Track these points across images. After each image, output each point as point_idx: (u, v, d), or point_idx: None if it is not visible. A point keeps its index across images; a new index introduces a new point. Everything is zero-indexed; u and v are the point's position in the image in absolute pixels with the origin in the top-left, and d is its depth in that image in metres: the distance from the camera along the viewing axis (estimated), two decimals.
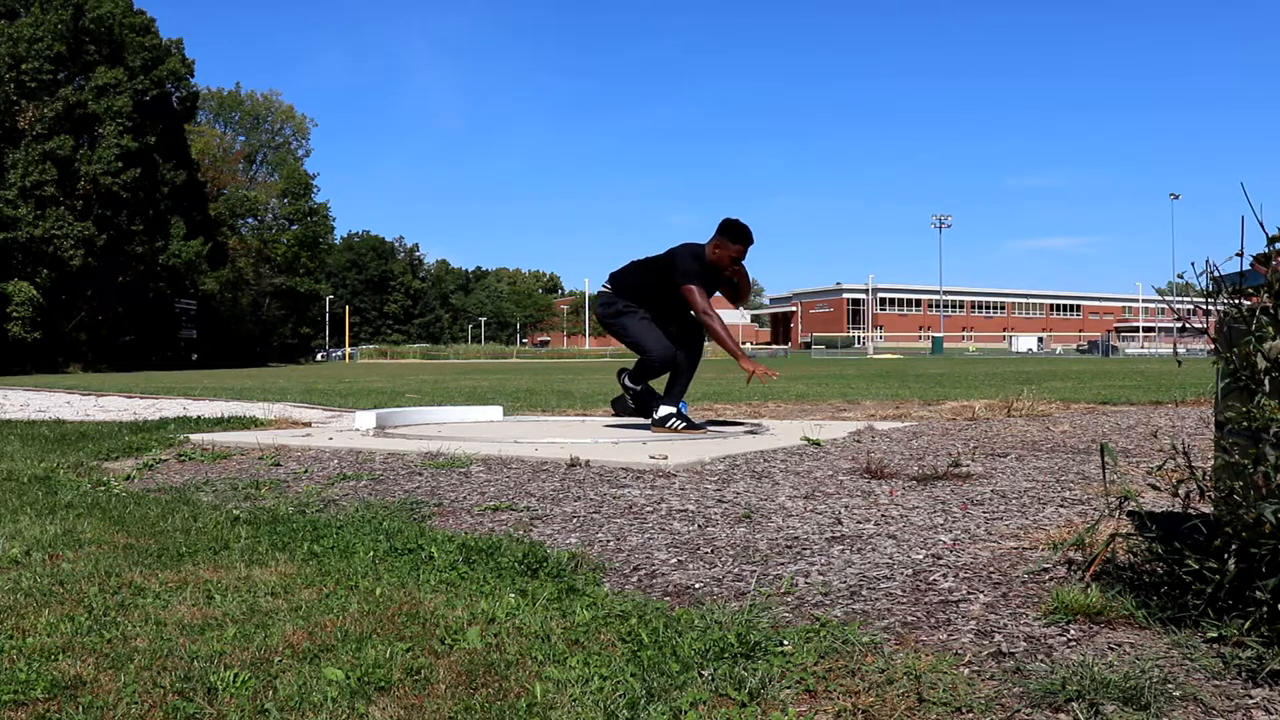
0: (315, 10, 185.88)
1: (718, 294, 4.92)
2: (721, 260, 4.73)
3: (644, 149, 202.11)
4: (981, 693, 1.42)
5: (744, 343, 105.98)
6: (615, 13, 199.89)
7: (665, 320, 4.87)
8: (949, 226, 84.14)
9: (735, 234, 4.72)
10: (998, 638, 1.64)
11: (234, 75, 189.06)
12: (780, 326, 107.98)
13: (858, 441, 4.33)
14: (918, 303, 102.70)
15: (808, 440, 4.27)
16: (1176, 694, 1.37)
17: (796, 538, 2.41)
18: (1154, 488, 2.18)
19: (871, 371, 19.32)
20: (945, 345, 73.45)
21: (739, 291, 4.89)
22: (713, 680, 1.49)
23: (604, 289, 4.98)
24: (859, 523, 2.56)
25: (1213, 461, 1.84)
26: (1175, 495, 1.80)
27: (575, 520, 2.74)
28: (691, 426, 4.74)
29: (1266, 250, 1.65)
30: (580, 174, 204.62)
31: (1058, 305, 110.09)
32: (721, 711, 1.39)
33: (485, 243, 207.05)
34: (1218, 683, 1.41)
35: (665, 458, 3.61)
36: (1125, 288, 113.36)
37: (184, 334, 49.12)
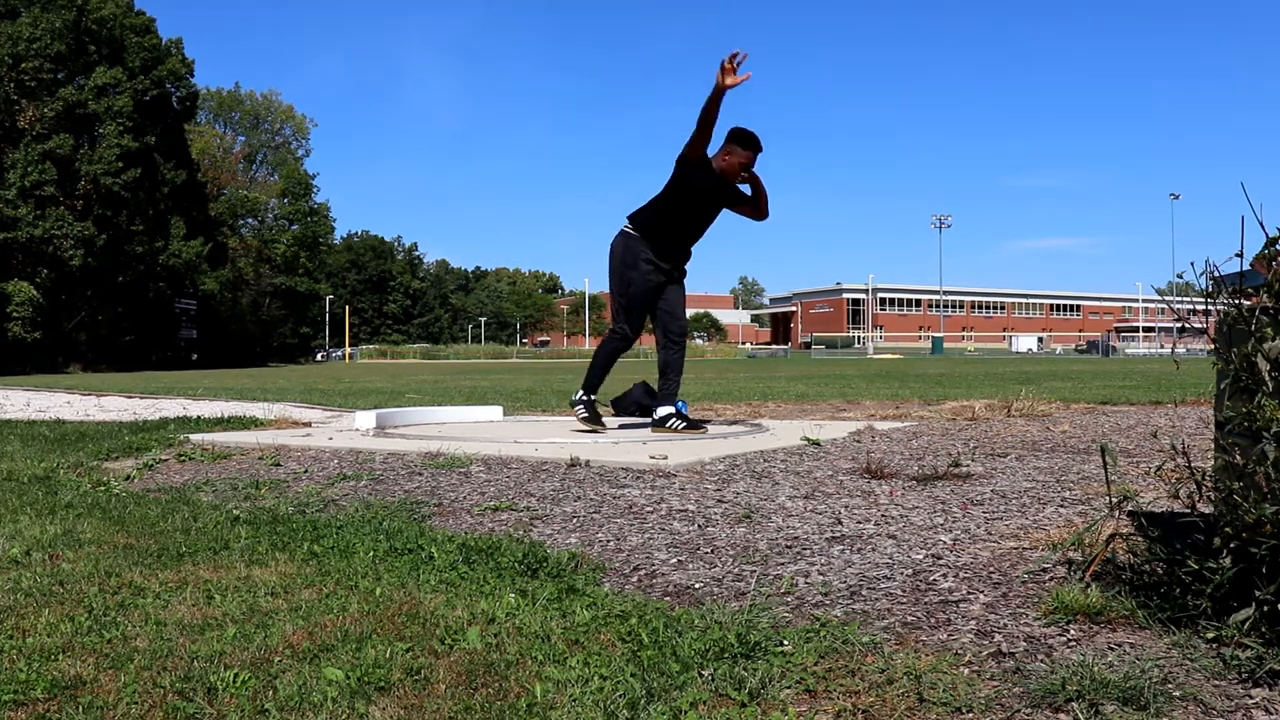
0: (315, 10, 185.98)
1: (739, 215, 4.90)
2: (731, 167, 4.67)
3: (644, 149, 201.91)
4: (981, 693, 1.42)
5: (744, 343, 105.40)
6: (615, 13, 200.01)
7: (682, 262, 4.85)
8: (949, 226, 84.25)
9: (744, 140, 4.65)
10: (998, 638, 1.64)
11: (234, 75, 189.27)
12: (780, 326, 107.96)
13: (858, 441, 4.33)
14: (918, 303, 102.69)
15: (808, 440, 4.27)
16: (1176, 694, 1.37)
17: (796, 538, 2.41)
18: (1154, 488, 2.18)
19: (871, 371, 19.31)
20: (945, 345, 73.43)
21: (758, 200, 4.81)
22: (713, 680, 1.49)
23: (625, 230, 4.84)
24: (859, 523, 2.56)
25: (1213, 461, 1.84)
26: (1175, 496, 1.80)
27: (575, 520, 2.74)
28: (692, 426, 4.73)
29: (1266, 250, 1.65)
30: (580, 174, 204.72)
31: (1058, 305, 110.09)
32: (721, 711, 1.39)
33: (485, 243, 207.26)
34: (1218, 683, 1.41)
35: (665, 458, 3.61)
36: (1125, 288, 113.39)
37: (184, 334, 49.12)
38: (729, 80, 4.29)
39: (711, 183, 4.70)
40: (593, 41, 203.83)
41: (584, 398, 4.82)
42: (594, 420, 4.80)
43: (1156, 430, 4.60)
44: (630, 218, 4.84)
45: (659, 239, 4.76)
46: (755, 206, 4.83)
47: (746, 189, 4.81)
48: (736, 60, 4.26)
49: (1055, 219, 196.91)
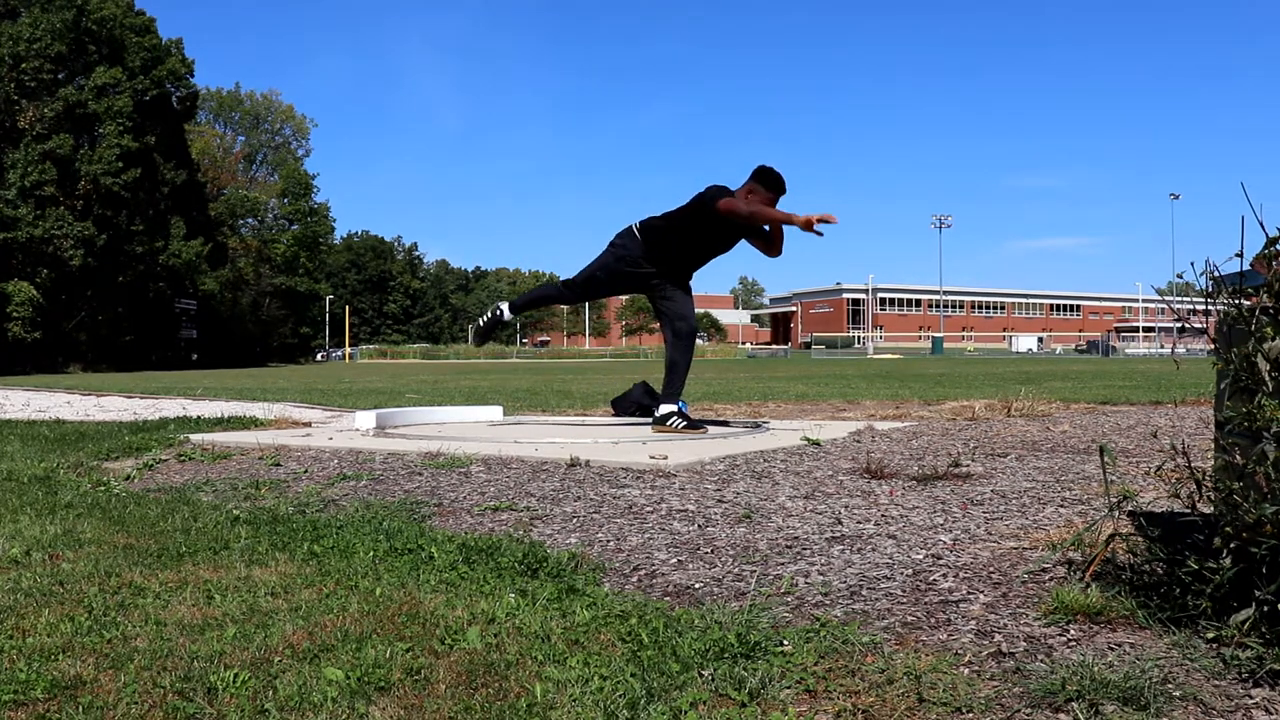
0: (315, 10, 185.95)
1: (752, 247, 4.93)
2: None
3: (644, 149, 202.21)
4: (981, 693, 1.42)
5: (744, 343, 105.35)
6: (615, 13, 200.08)
7: (676, 275, 4.87)
8: (949, 226, 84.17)
9: (769, 181, 4.70)
10: (998, 638, 1.64)
11: (234, 75, 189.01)
12: (780, 326, 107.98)
13: (858, 441, 4.33)
14: (918, 303, 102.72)
15: (808, 440, 4.27)
16: (1176, 694, 1.37)
17: (796, 538, 2.41)
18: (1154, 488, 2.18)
19: (871, 371, 19.32)
20: (945, 345, 73.44)
21: (774, 239, 4.86)
22: (713, 680, 1.49)
23: (633, 226, 4.88)
24: (859, 523, 2.56)
25: (1213, 461, 1.84)
26: (1175, 496, 1.80)
27: (575, 520, 2.74)
28: (692, 425, 4.73)
29: (1266, 250, 1.65)
30: (580, 174, 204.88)
31: (1058, 305, 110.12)
32: (721, 711, 1.39)
33: (485, 243, 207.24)
34: (1218, 683, 1.41)
35: (665, 458, 3.61)
36: (1125, 288, 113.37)
37: (184, 334, 49.14)
38: (803, 228, 4.46)
39: (719, 230, 4.77)
40: (592, 40, 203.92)
41: (498, 308, 5.22)
42: (484, 331, 5.30)
43: (1156, 430, 4.60)
44: (644, 219, 4.90)
45: (658, 248, 4.80)
46: (770, 244, 4.89)
47: (765, 225, 4.85)
48: (825, 221, 4.41)
49: (1055, 219, 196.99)
